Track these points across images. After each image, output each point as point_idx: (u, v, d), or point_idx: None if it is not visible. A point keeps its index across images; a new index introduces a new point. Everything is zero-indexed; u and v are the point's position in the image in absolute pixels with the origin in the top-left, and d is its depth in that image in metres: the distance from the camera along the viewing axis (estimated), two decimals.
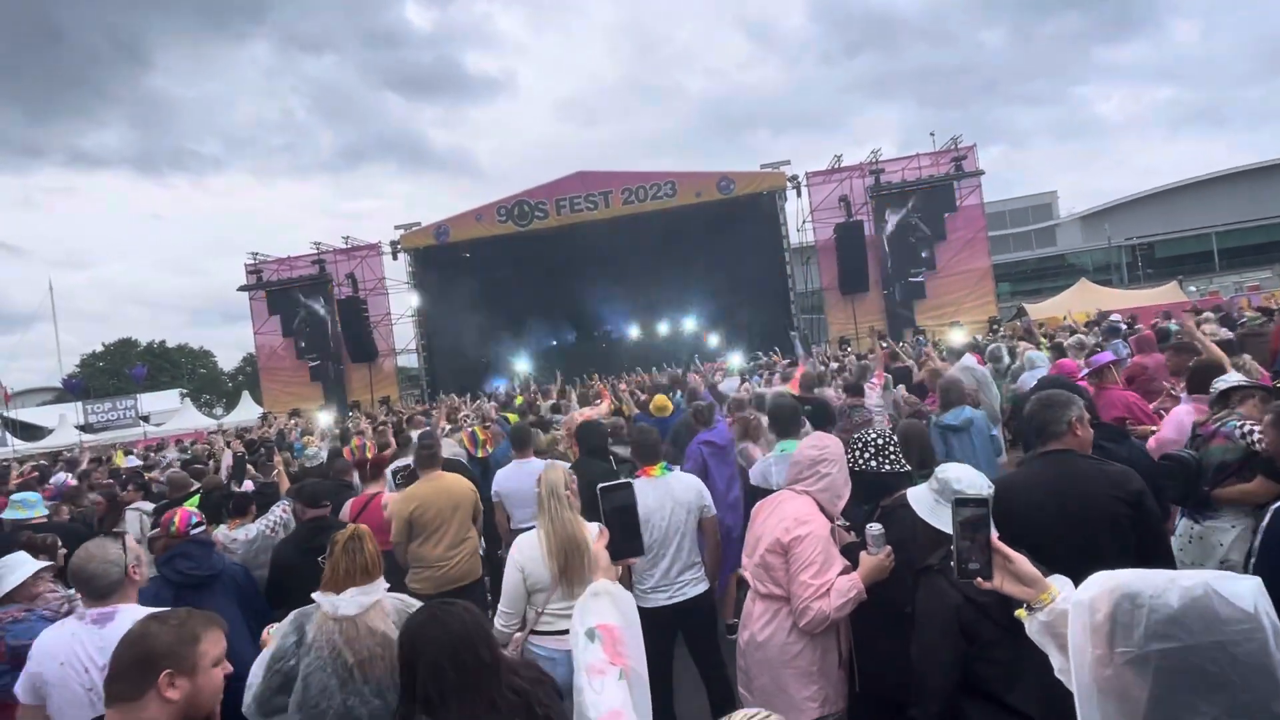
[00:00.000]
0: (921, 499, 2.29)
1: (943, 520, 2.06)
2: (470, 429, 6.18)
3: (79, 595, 2.58)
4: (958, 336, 11.21)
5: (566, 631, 2.18)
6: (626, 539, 1.70)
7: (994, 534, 1.43)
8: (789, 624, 2.54)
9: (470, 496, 4.40)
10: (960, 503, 1.48)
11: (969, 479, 2.23)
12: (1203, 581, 0.98)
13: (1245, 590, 0.96)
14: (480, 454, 5.70)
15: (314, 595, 2.37)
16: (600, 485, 1.76)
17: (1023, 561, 1.38)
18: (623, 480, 1.77)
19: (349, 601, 2.33)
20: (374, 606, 2.37)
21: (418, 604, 2.47)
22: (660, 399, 6.48)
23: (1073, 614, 1.08)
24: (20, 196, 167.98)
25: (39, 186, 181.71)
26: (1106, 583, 1.06)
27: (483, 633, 1.76)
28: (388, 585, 2.49)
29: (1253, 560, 2.53)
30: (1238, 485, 3.17)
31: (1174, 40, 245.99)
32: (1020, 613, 1.28)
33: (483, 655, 1.69)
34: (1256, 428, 3.12)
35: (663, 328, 23.28)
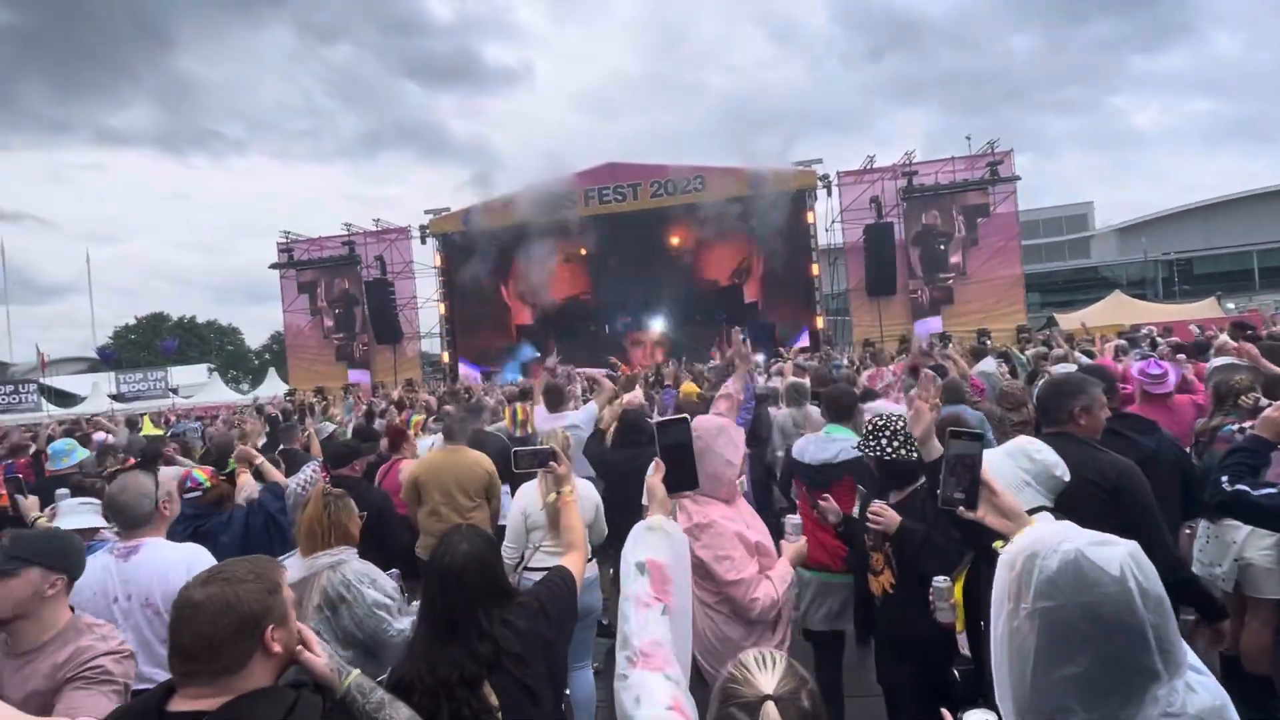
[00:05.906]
0: (1006, 474, 2.00)
1: (1027, 500, 1.93)
2: (513, 407, 6.01)
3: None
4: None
5: None
6: (682, 473, 1.74)
7: (984, 468, 1.44)
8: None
9: (481, 475, 4.24)
10: (955, 434, 1.49)
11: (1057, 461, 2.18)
12: (1076, 546, 1.05)
13: (1113, 556, 1.03)
14: (520, 433, 5.49)
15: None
16: (657, 420, 1.82)
17: (1007, 496, 1.42)
18: (679, 416, 1.80)
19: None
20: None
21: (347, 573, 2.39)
22: (689, 385, 6.58)
23: (998, 570, 1.15)
24: (49, 172, 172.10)
25: (67, 163, 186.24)
26: (1023, 539, 1.15)
27: (491, 553, 1.90)
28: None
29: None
30: None
31: (1214, 51, 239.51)
32: (998, 544, 1.30)
33: (490, 574, 1.84)
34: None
35: (683, 321, 23.21)
